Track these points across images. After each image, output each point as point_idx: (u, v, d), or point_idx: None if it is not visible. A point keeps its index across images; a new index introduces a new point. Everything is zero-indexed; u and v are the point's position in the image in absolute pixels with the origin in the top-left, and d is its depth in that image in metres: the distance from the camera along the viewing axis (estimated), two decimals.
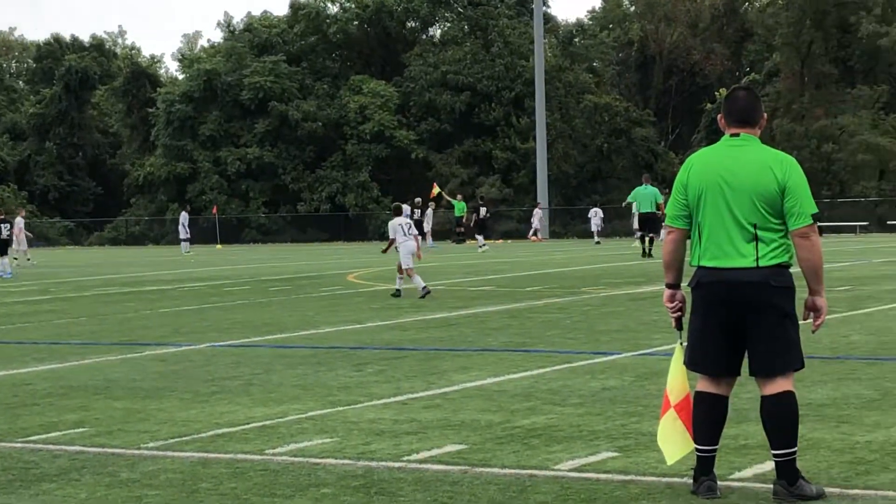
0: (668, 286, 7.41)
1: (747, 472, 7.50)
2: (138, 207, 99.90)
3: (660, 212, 39.29)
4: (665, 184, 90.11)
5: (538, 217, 72.76)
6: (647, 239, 40.07)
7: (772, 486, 6.97)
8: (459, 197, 69.95)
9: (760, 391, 7.06)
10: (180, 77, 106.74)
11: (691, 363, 7.20)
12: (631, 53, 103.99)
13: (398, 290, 24.13)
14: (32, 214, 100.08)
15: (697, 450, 7.10)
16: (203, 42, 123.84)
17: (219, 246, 76.60)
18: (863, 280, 25.09)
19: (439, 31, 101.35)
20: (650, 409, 9.80)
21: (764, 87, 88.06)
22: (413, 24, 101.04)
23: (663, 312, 18.38)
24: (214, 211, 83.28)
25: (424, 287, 23.70)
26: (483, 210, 60.85)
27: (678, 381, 7.22)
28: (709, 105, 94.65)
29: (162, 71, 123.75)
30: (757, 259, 6.93)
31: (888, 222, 74.25)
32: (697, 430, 7.12)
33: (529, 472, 7.70)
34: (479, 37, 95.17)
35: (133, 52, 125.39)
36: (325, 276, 32.84)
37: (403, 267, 24.36)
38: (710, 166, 7.09)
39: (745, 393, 10.41)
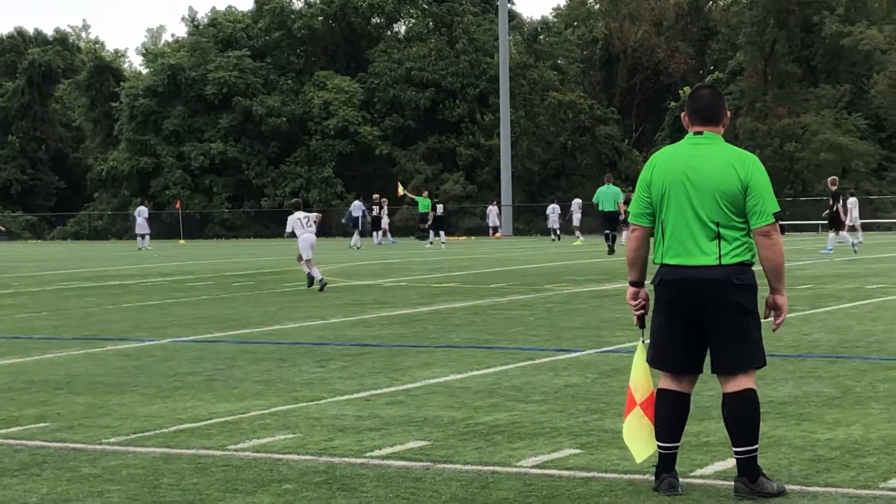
0: (632, 284, 7.41)
1: (709, 470, 7.53)
2: (101, 202, 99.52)
3: (621, 211, 40.57)
4: (629, 182, 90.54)
5: (494, 213, 72.27)
6: (611, 237, 41.19)
7: (733, 483, 7.01)
8: (425, 193, 69.98)
9: (722, 389, 7.09)
10: (144, 71, 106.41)
11: (654, 361, 7.23)
12: (595, 51, 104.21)
13: (311, 278, 25.24)
14: None
15: (660, 447, 7.14)
16: (167, 37, 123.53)
17: (182, 241, 76.36)
18: (824, 279, 25.21)
19: (404, 27, 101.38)
20: (612, 406, 9.83)
21: (727, 86, 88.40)
22: (378, 20, 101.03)
23: (626, 310, 18.42)
24: (178, 206, 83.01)
25: (322, 280, 24.81)
26: (440, 207, 60.91)
27: (642, 379, 7.25)
28: (672, 103, 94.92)
29: (126, 65, 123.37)
30: (720, 257, 6.97)
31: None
32: (660, 427, 7.15)
33: (492, 468, 7.71)
34: (443, 33, 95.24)
35: (97, 45, 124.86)
36: (288, 272, 32.77)
37: (304, 258, 25.31)
38: (674, 164, 7.12)
39: (708, 390, 10.46)
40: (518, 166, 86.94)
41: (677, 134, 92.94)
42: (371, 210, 61.88)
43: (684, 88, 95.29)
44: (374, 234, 61.47)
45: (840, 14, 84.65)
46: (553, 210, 69.65)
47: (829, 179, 41.76)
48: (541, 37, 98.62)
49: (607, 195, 42.36)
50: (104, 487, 7.45)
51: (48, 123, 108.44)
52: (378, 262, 38.15)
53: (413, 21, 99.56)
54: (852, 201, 48.67)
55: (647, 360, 7.27)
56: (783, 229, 70.56)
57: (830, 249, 38.59)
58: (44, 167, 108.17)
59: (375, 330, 16.67)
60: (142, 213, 65.78)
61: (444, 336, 15.60)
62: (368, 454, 8.23)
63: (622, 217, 40.51)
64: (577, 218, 64.91)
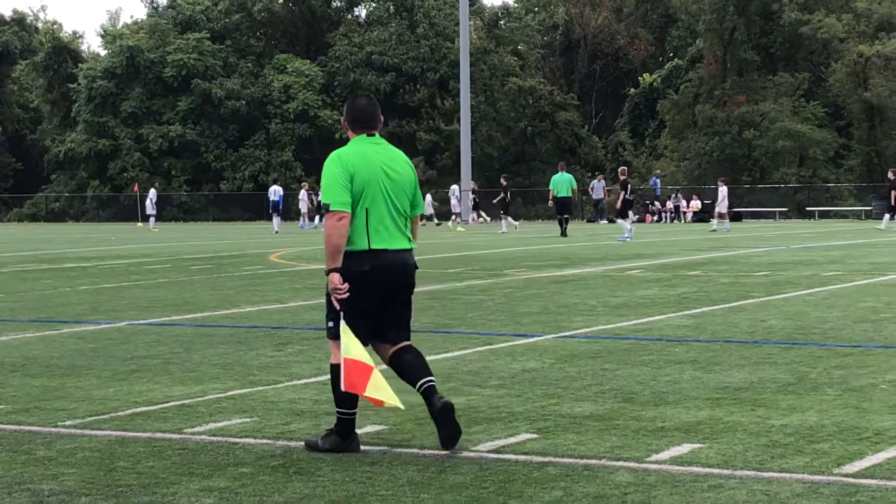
0: (337, 269, 7.85)
1: (664, 455, 7.56)
2: (59, 184, 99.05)
3: (574, 196, 45.77)
4: (588, 167, 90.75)
5: (455, 195, 71.35)
6: (564, 221, 44.89)
7: (439, 402, 7.85)
8: None
9: (388, 354, 8.07)
10: (102, 53, 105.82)
11: (356, 335, 7.83)
12: (556, 37, 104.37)
13: None
14: None
15: (345, 413, 7.86)
16: (126, 18, 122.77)
17: (139, 224, 76.04)
18: (780, 266, 25.34)
19: (364, 11, 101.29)
20: (570, 392, 9.86)
21: (687, 73, 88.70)
22: (338, 4, 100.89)
23: (584, 296, 18.54)
24: (136, 188, 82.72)
25: None
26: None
27: (361, 350, 7.71)
28: (632, 90, 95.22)
29: (84, 47, 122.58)
30: (409, 242, 8.07)
31: (807, 208, 75.06)
32: (346, 396, 7.81)
33: (448, 453, 7.72)
34: (404, 17, 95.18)
35: (55, 27, 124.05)
36: (246, 256, 32.72)
37: None
38: (371, 161, 7.98)
39: (664, 376, 10.51)
40: (478, 151, 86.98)
41: (637, 121, 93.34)
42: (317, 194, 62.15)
43: (644, 75, 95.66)
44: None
45: (799, 2, 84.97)
46: (453, 192, 70.68)
47: (619, 169, 43.99)
48: (501, 22, 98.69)
49: (562, 182, 45.25)
50: (59, 470, 7.42)
51: (5, 104, 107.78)
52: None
53: (374, 5, 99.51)
54: (723, 190, 50.59)
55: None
56: (741, 216, 70.98)
57: (628, 237, 39.57)
58: (1, 148, 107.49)
59: None
60: (153, 195, 66.84)
61: None
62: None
63: (575, 200, 45.30)
64: (454, 204, 65.76)
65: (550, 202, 46.83)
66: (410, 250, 8.08)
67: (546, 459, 7.49)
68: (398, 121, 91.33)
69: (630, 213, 41.95)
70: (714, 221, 51.88)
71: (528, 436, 8.20)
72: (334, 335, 7.85)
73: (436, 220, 71.95)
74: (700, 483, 6.85)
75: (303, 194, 66.85)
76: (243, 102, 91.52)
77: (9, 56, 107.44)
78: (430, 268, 26.35)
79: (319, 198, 59.55)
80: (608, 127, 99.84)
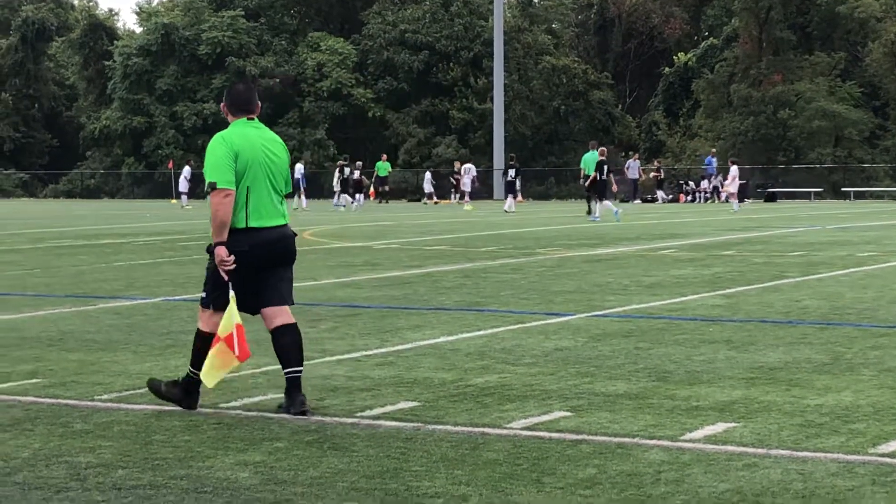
0: (223, 243, 8.37)
1: (698, 433, 7.56)
2: (94, 160, 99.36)
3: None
4: (621, 147, 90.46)
5: (469, 174, 70.04)
6: (594, 199, 43.99)
7: (289, 405, 8.31)
8: (384, 157, 71.29)
9: (273, 324, 8.49)
10: (138, 30, 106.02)
11: (241, 308, 8.46)
12: (590, 16, 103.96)
13: None
14: None
15: (195, 374, 8.45)
16: None
17: (174, 201, 76.21)
18: (816, 246, 25.26)
19: None
20: (603, 370, 9.86)
21: (722, 52, 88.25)
22: None
23: (617, 275, 18.52)
24: (170, 165, 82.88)
25: None
26: (347, 170, 61.53)
27: (230, 321, 8.33)
28: (667, 69, 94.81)
29: (119, 24, 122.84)
30: (284, 217, 8.64)
31: (842, 189, 74.66)
32: (201, 359, 8.44)
33: (482, 429, 7.73)
34: None
35: (91, 4, 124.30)
36: None
37: None
38: (254, 143, 8.52)
39: (698, 355, 10.50)
40: (511, 130, 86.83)
41: (671, 100, 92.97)
42: (353, 173, 62.11)
43: (678, 54, 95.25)
44: (357, 196, 61.53)
45: None
46: (427, 178, 70.93)
47: (598, 150, 43.60)
48: (535, 0, 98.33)
49: (593, 160, 44.24)
50: (96, 443, 7.47)
51: (41, 81, 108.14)
52: (369, 225, 38.16)
53: None
54: (734, 170, 51.23)
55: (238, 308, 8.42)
56: (775, 196, 70.71)
57: (598, 217, 40.00)
58: (37, 125, 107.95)
59: (366, 291, 16.69)
60: (187, 172, 67.23)
61: (435, 298, 15.63)
62: (359, 414, 8.26)
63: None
64: (465, 183, 65.54)
65: (581, 180, 46.46)
66: (286, 225, 8.66)
67: (580, 437, 7.50)
68: (431, 99, 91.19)
69: (607, 194, 42.55)
70: (734, 203, 52.10)
71: (562, 413, 8.21)
72: (206, 304, 8.56)
73: (434, 199, 72.06)
74: (734, 462, 6.84)
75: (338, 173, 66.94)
76: (277, 80, 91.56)
77: (45, 33, 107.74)
78: (462, 246, 26.35)
79: (356, 175, 59.67)
80: (642, 106, 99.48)
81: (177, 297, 16.00)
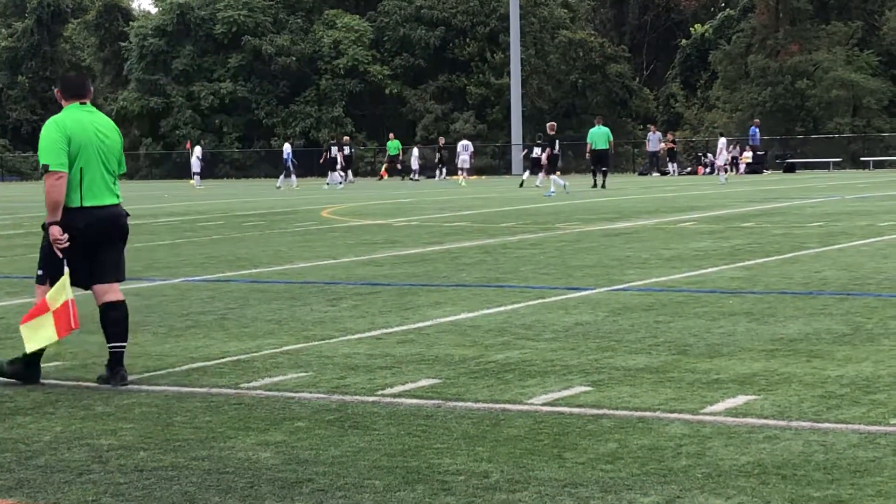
0: (57, 223, 8.89)
1: (719, 406, 7.56)
2: None
3: (612, 148, 48.63)
4: (639, 120, 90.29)
5: (467, 150, 68.08)
6: (600, 172, 47.29)
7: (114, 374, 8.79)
8: (391, 136, 71.44)
9: (102, 300, 9.06)
10: (153, 11, 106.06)
11: (74, 283, 9.01)
12: None
13: None
14: (5, 149, 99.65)
15: (117, 347, 8.97)
16: None
17: (192, 181, 76.30)
18: (835, 216, 25.19)
19: None
20: (623, 344, 9.86)
21: (739, 23, 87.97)
22: None
23: (637, 248, 18.51)
24: (188, 146, 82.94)
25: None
26: (334, 149, 61.50)
27: (61, 295, 8.81)
28: (684, 41, 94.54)
29: (135, 4, 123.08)
30: (118, 197, 9.17)
31: (861, 159, 74.44)
32: (112, 330, 9.05)
33: (503, 406, 7.74)
34: None
35: None
36: (299, 212, 32.82)
37: None
38: (85, 126, 9.00)
39: (718, 328, 10.49)
40: (528, 105, 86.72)
41: (688, 73, 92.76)
42: (342, 150, 62.16)
43: (695, 26, 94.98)
44: (341, 173, 61.45)
45: None
46: (465, 148, 69.86)
47: (548, 125, 44.51)
48: None
49: (600, 135, 47.83)
50: (118, 426, 7.50)
51: (58, 63, 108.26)
52: (388, 202, 38.17)
53: None
54: (721, 142, 51.73)
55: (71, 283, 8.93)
56: (794, 167, 70.51)
57: (553, 192, 40.06)
58: (54, 107, 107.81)
59: (386, 269, 16.70)
60: (199, 152, 67.30)
61: (455, 275, 15.63)
62: (380, 392, 8.27)
63: (612, 153, 49.04)
64: (464, 160, 65.44)
65: (588, 153, 49.07)
66: (119, 204, 9.19)
67: (600, 412, 7.51)
68: (448, 75, 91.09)
69: (557, 169, 43.17)
70: (720, 175, 52.24)
71: (583, 388, 8.21)
72: (41, 281, 9.10)
73: (418, 176, 71.70)
74: (755, 434, 6.84)
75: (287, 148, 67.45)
76: (293, 59, 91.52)
77: (60, 15, 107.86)
78: (481, 222, 26.35)
79: (346, 152, 59.55)
80: (659, 79, 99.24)
81: (196, 278, 16.03)
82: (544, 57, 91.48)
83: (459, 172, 65.24)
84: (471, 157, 67.10)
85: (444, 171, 69.91)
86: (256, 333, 11.00)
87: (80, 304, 9.24)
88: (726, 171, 51.74)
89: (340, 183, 59.74)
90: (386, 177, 71.86)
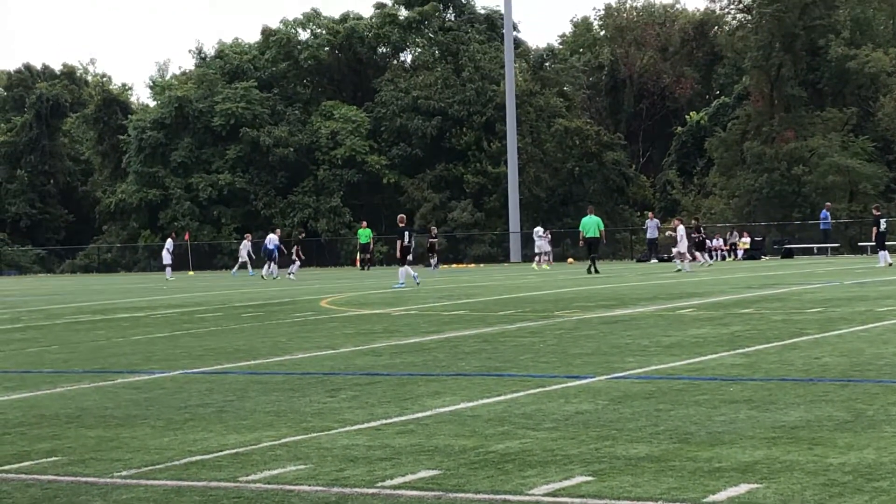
0: None
1: (722, 495, 7.50)
2: (110, 234, 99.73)
3: (602, 237, 51.03)
4: (636, 207, 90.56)
5: (539, 235, 66.30)
6: (593, 259, 49.55)
7: None
8: (364, 224, 71.50)
9: None
10: (152, 104, 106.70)
11: None
12: (601, 77, 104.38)
13: None
14: (4, 242, 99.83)
15: None
16: (174, 69, 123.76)
17: (191, 272, 76.41)
18: (834, 302, 25.17)
19: (410, 56, 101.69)
20: (624, 433, 9.81)
21: (734, 110, 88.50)
22: (384, 50, 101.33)
23: (636, 336, 18.47)
24: (187, 237, 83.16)
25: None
26: (248, 243, 63.83)
27: None
28: (679, 128, 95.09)
29: (133, 98, 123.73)
30: None
31: (859, 244, 74.50)
32: None
33: (504, 497, 7.69)
34: (449, 62, 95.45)
35: (104, 79, 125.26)
36: (297, 302, 32.79)
37: None
38: None
39: (719, 416, 10.44)
40: (526, 193, 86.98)
41: (684, 159, 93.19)
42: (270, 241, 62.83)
43: (690, 113, 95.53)
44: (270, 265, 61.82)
45: (845, 37, 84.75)
46: (537, 234, 69.15)
47: (398, 217, 44.12)
48: (546, 64, 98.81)
49: (590, 224, 50.06)
50: None
51: (56, 157, 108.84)
52: (388, 291, 38.16)
53: (419, 50, 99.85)
54: (680, 230, 52.04)
55: None
56: (792, 253, 70.54)
57: (402, 284, 40.64)
58: (52, 201, 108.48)
59: (385, 359, 16.66)
60: (169, 245, 67.39)
61: (454, 364, 15.58)
62: (380, 484, 8.21)
63: (602, 241, 52.01)
64: (540, 245, 64.78)
65: (581, 242, 51.49)
66: None
67: (602, 502, 7.45)
68: (445, 164, 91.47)
69: (409, 259, 42.47)
70: (680, 262, 51.20)
71: (584, 478, 8.16)
72: None
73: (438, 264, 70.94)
74: None
75: (244, 244, 68.34)
76: (291, 150, 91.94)
77: (59, 109, 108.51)
78: (480, 310, 26.32)
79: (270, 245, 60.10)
80: (656, 166, 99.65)
81: (195, 370, 15.98)
82: (541, 145, 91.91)
83: (539, 258, 64.38)
84: (548, 242, 66.64)
85: (437, 259, 69.71)
86: (255, 425, 10.95)
87: (76, 395, 9.20)
88: (685, 259, 50.86)
89: (254, 273, 60.63)
90: (358, 265, 71.71)
